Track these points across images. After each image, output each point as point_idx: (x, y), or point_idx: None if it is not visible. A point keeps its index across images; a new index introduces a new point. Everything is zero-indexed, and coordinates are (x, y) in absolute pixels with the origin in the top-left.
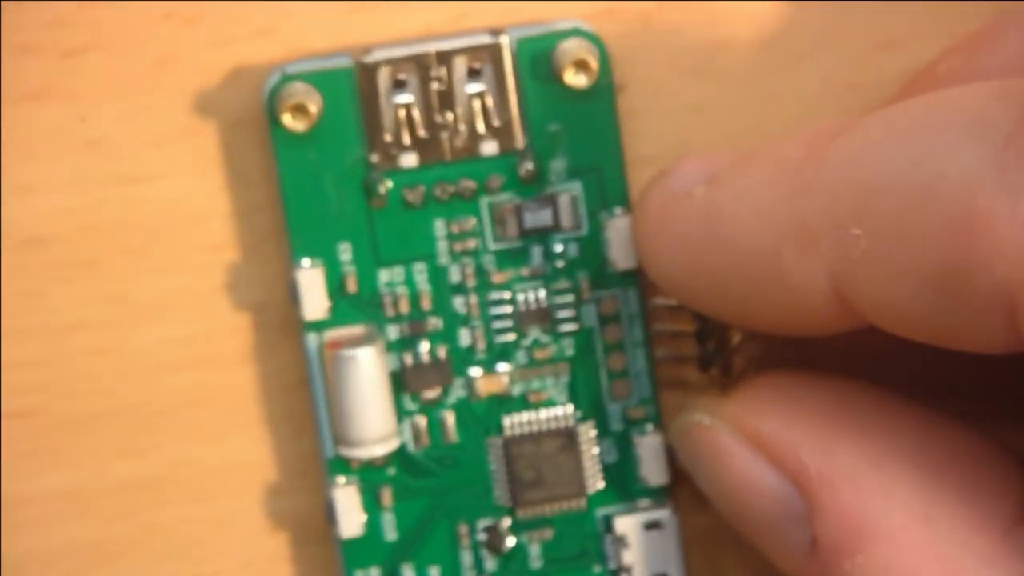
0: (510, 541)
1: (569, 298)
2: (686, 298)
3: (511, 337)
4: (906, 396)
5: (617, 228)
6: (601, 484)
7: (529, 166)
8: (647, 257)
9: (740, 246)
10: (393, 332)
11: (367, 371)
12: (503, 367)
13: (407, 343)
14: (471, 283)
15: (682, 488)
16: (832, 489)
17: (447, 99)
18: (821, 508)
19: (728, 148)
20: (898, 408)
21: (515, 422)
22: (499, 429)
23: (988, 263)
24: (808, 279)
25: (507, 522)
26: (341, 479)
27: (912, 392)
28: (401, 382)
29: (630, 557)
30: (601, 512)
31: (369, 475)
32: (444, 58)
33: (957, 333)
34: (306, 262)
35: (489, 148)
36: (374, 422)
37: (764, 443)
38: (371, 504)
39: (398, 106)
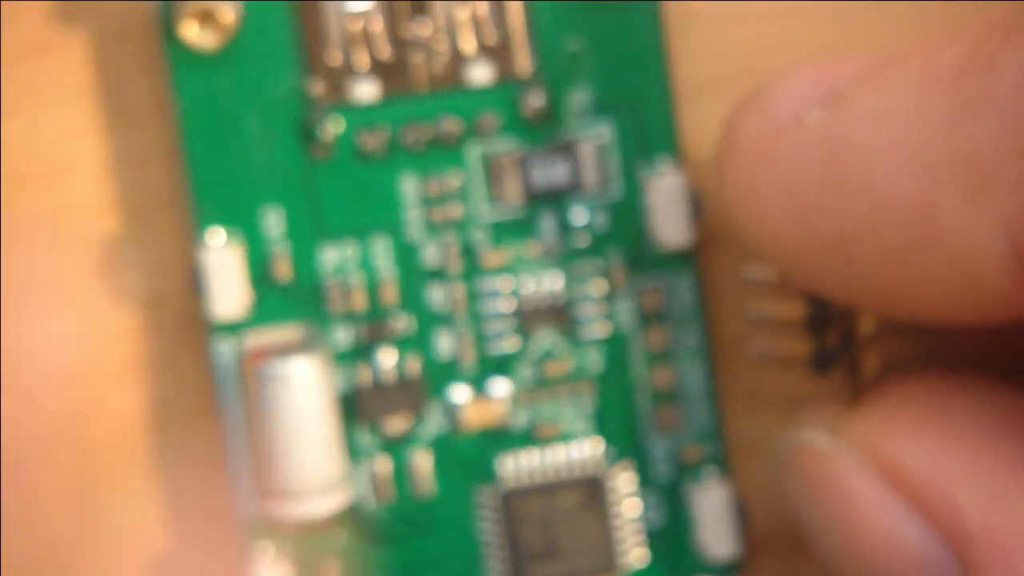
0: None
1: (595, 288)
2: (795, 269)
3: (512, 344)
4: None
5: (663, 190)
6: (639, 555)
7: (537, 101)
8: (739, 211)
9: (876, 192)
10: (343, 337)
11: (304, 393)
12: (500, 387)
13: (362, 352)
14: (455, 267)
15: (761, 561)
16: (1004, 553)
17: (420, 5)
18: None
19: (853, 55)
20: None
21: (518, 467)
22: (494, 476)
23: None
24: (976, 238)
25: None
26: (266, 549)
27: None
28: (354, 409)
29: None
30: None
31: (307, 544)
32: None
33: None
34: (216, 236)
35: (480, 74)
36: (314, 466)
37: (906, 480)
38: None
39: (350, 15)
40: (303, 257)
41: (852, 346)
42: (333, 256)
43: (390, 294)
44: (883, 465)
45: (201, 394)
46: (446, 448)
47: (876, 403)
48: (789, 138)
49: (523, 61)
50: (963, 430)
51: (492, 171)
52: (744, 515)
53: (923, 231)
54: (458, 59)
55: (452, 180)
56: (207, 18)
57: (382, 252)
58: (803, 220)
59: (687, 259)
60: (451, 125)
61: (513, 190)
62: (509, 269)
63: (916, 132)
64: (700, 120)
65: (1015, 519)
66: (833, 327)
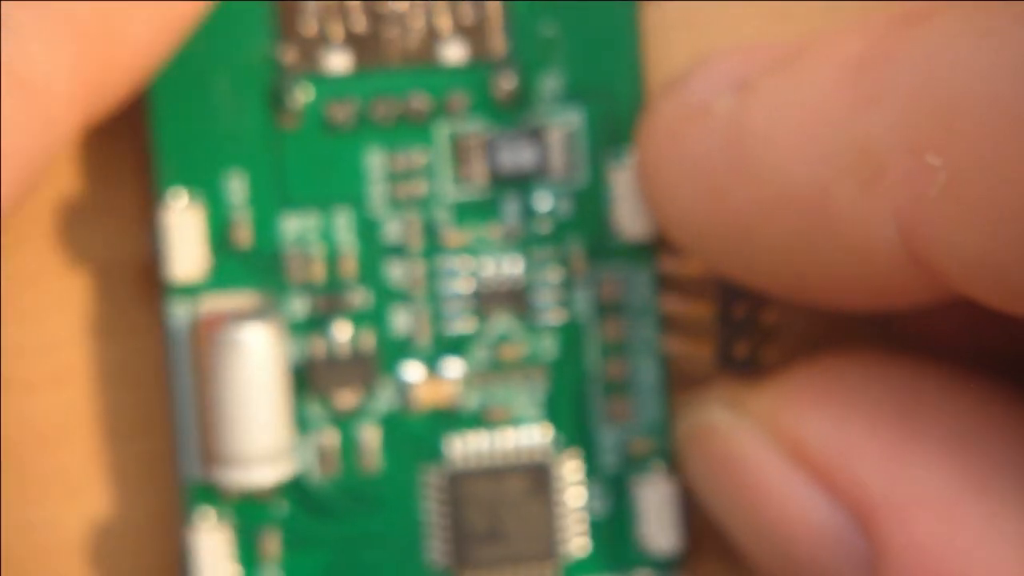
0: None
1: (555, 275)
2: (702, 250)
3: (468, 326)
4: (1008, 390)
5: (629, 181)
6: (583, 546)
7: (509, 83)
8: (651, 190)
9: (775, 177)
10: (299, 307)
11: (257, 359)
12: (454, 368)
13: (318, 324)
14: (416, 245)
15: (702, 556)
16: (905, 522)
17: None
18: (890, 549)
19: (765, 46)
20: (998, 406)
21: (467, 449)
22: (442, 457)
23: None
24: (867, 226)
25: None
26: (207, 515)
27: (1016, 388)
28: (306, 380)
29: None
30: None
31: (249, 512)
32: None
33: None
34: (178, 198)
35: (453, 53)
36: (261, 434)
37: (809, 454)
38: (248, 555)
39: None
40: (264, 225)
41: (756, 332)
42: (294, 226)
43: (349, 267)
44: (785, 440)
45: (152, 357)
46: (395, 425)
47: (777, 381)
48: (699, 123)
49: (497, 43)
50: (863, 404)
51: (459, 151)
52: (688, 510)
53: (819, 218)
54: (432, 36)
55: (418, 157)
56: None
57: (344, 225)
58: (709, 202)
59: (648, 252)
60: (421, 102)
61: (479, 171)
62: (470, 250)
63: (815, 120)
64: None
65: (916, 490)
66: (739, 312)
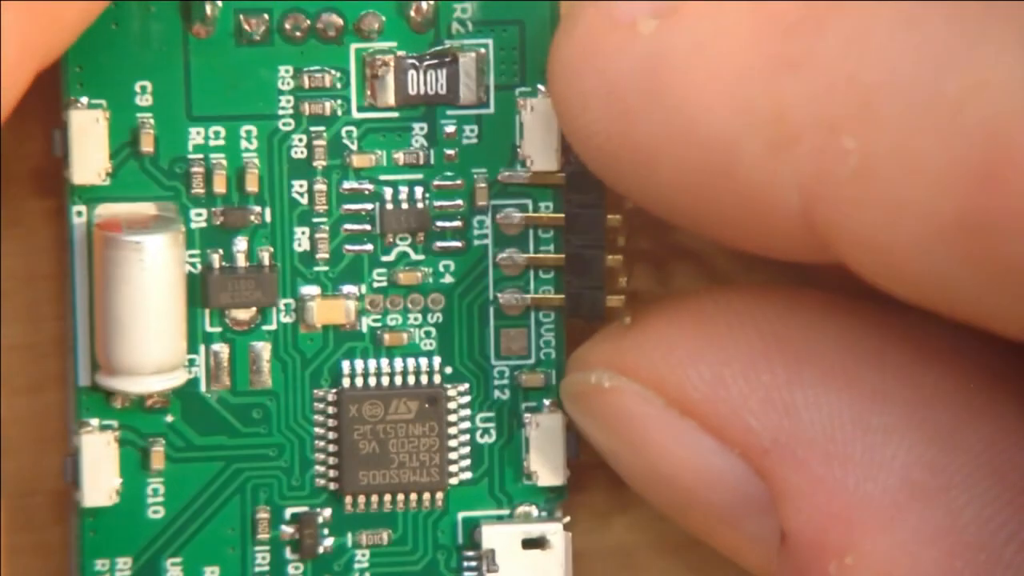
0: (328, 542)
1: (458, 202)
2: (604, 168)
3: (368, 248)
4: (899, 320)
5: (538, 112)
6: (468, 475)
7: (422, 7)
8: (561, 98)
9: (687, 114)
10: (199, 219)
11: (155, 268)
12: (350, 289)
13: (217, 237)
14: (321, 163)
15: (587, 489)
16: (798, 463)
17: None
18: (786, 491)
19: None
20: (887, 339)
21: (357, 370)
22: (333, 377)
23: (1019, 218)
24: (771, 188)
25: (327, 513)
26: (93, 422)
27: (908, 318)
28: (202, 293)
29: None
30: (464, 515)
31: (136, 420)
32: None
33: (975, 306)
34: (84, 102)
35: None
36: (155, 344)
37: (694, 407)
38: (132, 464)
39: None
40: (169, 134)
41: (599, 288)
42: (199, 137)
43: (252, 182)
44: (670, 396)
45: (49, 258)
46: (289, 344)
47: (652, 334)
48: (621, 38)
49: None
50: (741, 349)
51: (369, 71)
52: (576, 444)
53: (724, 167)
54: None
55: (328, 76)
56: None
57: (249, 140)
58: (618, 122)
59: (553, 183)
60: (334, 20)
61: (388, 94)
62: (374, 172)
63: (735, 70)
64: None
65: (804, 429)
66: (586, 273)
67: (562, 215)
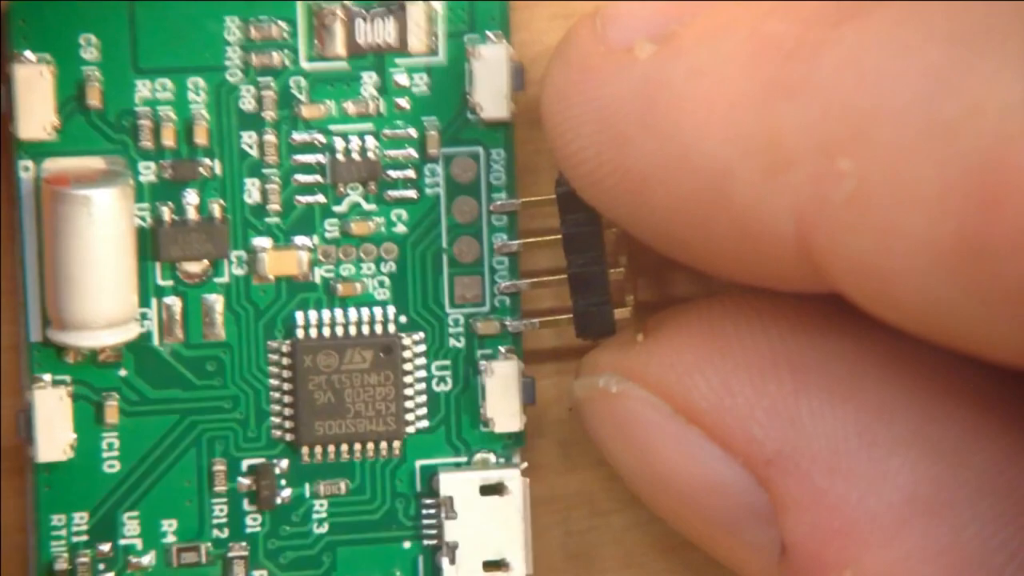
0: (285, 493)
1: (409, 152)
2: (594, 193)
3: (320, 199)
4: (907, 335)
5: (488, 59)
6: (425, 423)
7: None
8: (554, 122)
9: (682, 141)
10: (148, 172)
11: (104, 222)
12: (302, 240)
13: (167, 190)
14: (270, 115)
15: (542, 437)
16: (800, 475)
17: None
18: (788, 502)
19: None
20: (894, 352)
21: (311, 320)
22: (287, 329)
23: (1017, 242)
24: (766, 214)
25: (284, 464)
26: (46, 377)
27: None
28: (152, 246)
29: (456, 532)
30: (421, 463)
31: (89, 375)
32: None
33: (973, 335)
34: (28, 56)
35: None
36: (106, 298)
37: (700, 415)
38: (86, 419)
39: None
40: (116, 88)
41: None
42: (146, 91)
43: (201, 135)
44: (677, 403)
45: (3, 215)
46: (242, 296)
47: (661, 341)
48: (617, 65)
49: None
50: (749, 358)
51: (317, 22)
52: (532, 390)
53: (718, 194)
54: None
55: (275, 27)
56: None
57: (197, 92)
58: (611, 148)
59: (503, 130)
60: None
61: (337, 44)
62: (323, 124)
63: (731, 97)
64: None
65: (808, 441)
66: (592, 290)
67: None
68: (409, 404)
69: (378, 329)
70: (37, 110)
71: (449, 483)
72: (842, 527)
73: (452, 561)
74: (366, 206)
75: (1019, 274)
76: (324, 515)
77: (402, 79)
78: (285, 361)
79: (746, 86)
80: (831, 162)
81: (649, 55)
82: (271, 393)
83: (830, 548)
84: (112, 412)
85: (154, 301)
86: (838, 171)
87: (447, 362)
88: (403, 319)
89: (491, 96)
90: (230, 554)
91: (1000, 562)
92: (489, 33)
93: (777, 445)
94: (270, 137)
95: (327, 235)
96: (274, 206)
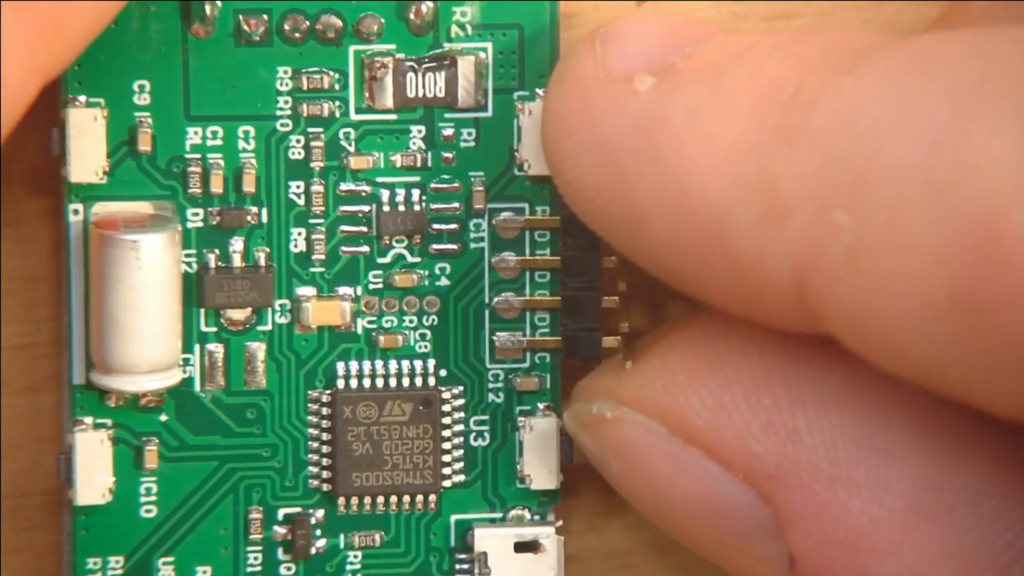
0: (320, 543)
1: (454, 205)
2: (593, 221)
3: (364, 250)
4: None
5: (537, 116)
6: (462, 477)
7: (423, 9)
8: (553, 148)
9: (681, 179)
10: (195, 218)
11: (151, 267)
12: (346, 290)
13: (214, 237)
14: (318, 164)
15: (579, 494)
16: (802, 488)
17: None
18: (792, 516)
19: (695, 23)
20: None
21: (351, 371)
22: (328, 378)
23: (1013, 298)
24: (763, 259)
25: (320, 514)
26: (87, 420)
27: None
28: (197, 293)
29: None
30: (456, 517)
31: (130, 419)
32: None
33: (970, 387)
34: (82, 100)
35: None
36: (150, 343)
37: (698, 435)
38: (125, 463)
39: None
40: (167, 134)
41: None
42: (196, 137)
43: (249, 183)
44: (673, 424)
45: (46, 257)
46: (284, 344)
47: (652, 363)
48: (616, 95)
49: None
50: (742, 373)
51: (367, 74)
52: (570, 448)
53: (716, 235)
54: None
55: (326, 77)
56: None
57: (247, 140)
58: (610, 177)
59: (550, 188)
60: (334, 21)
61: (387, 96)
62: (371, 174)
63: (731, 140)
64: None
65: (807, 453)
66: (581, 315)
67: (559, 218)
68: (446, 458)
69: (418, 382)
70: (89, 154)
71: (484, 539)
72: (847, 538)
73: None
74: (410, 258)
75: (1014, 330)
76: (358, 566)
77: (449, 133)
78: (325, 411)
79: (745, 130)
80: (829, 214)
81: (648, 88)
82: (309, 443)
83: (838, 560)
84: (151, 457)
85: (197, 347)
86: (836, 224)
87: (485, 417)
88: (443, 372)
89: (538, 152)
90: None
91: (1007, 561)
92: (538, 91)
93: (776, 459)
94: (317, 187)
95: (370, 286)
96: (319, 256)
